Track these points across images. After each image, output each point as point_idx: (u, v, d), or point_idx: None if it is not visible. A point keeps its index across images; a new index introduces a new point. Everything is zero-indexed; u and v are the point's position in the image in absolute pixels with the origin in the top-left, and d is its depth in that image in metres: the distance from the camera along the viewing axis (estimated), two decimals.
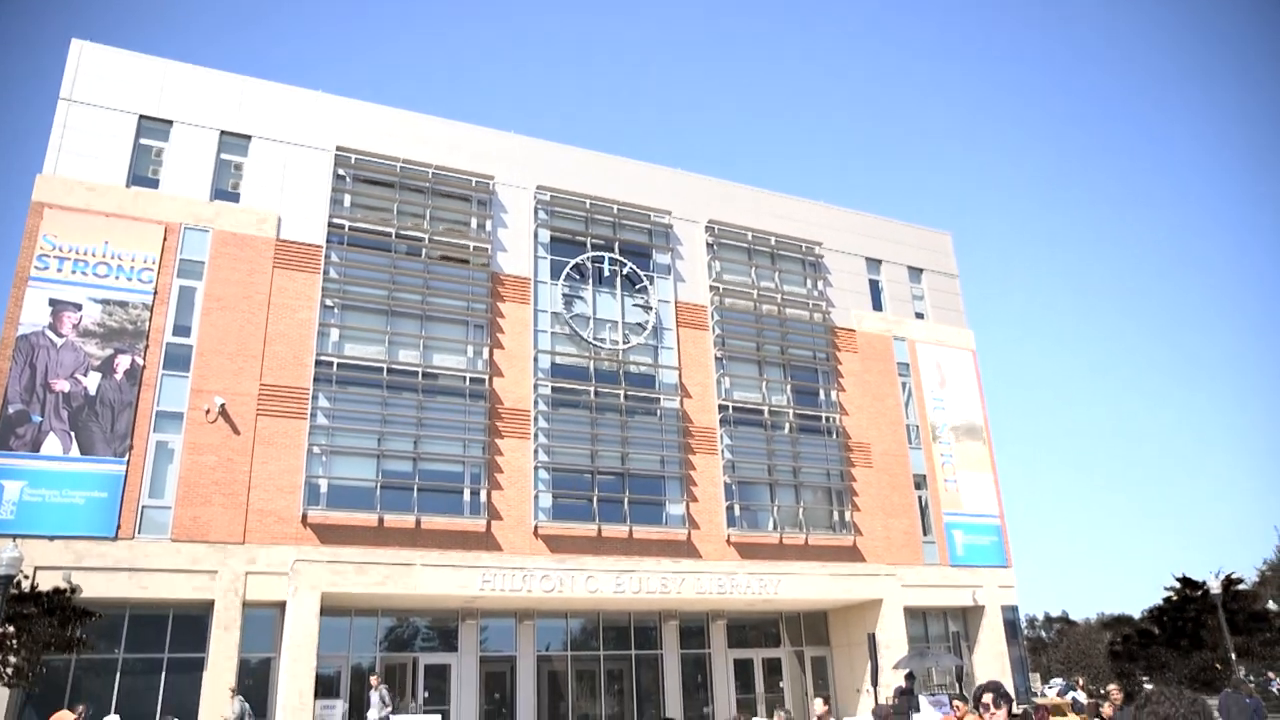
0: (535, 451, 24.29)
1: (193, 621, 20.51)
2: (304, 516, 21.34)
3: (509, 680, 23.57)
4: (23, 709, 18.09)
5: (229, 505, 20.87)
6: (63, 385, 20.26)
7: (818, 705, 11.66)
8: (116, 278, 21.37)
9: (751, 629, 27.27)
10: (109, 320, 21.06)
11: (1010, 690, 5.63)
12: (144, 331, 21.28)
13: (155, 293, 21.62)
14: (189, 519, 20.45)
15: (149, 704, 18.57)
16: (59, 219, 21.11)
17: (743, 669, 26.55)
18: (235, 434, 21.39)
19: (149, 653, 20.11)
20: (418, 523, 22.28)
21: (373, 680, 19.86)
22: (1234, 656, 34.08)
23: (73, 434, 20.06)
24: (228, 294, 22.33)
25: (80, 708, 13.17)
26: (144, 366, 21.07)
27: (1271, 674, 25.78)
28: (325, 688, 20.60)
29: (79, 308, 20.89)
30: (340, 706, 20.59)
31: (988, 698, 5.54)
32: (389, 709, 18.72)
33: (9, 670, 15.12)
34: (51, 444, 19.86)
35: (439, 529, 22.44)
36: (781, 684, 26.74)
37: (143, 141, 22.77)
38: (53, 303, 20.68)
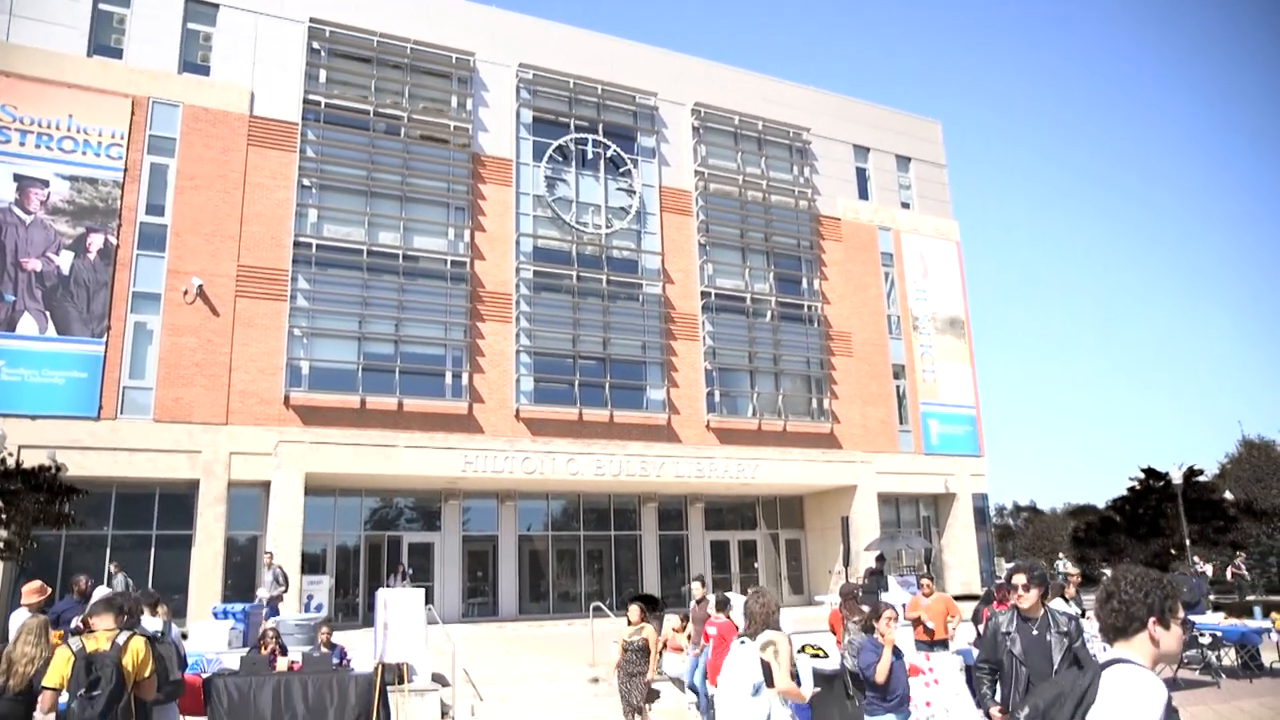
0: (517, 335, 24.28)
1: (179, 500, 20.78)
2: (286, 398, 21.39)
3: (491, 559, 24.19)
4: (17, 582, 18.43)
5: (211, 387, 20.85)
6: (34, 264, 19.89)
7: (695, 588, 11.91)
8: (84, 153, 20.72)
9: (729, 512, 27.98)
10: (78, 198, 20.53)
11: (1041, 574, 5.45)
12: (116, 210, 20.78)
13: (125, 170, 21.02)
14: (171, 400, 20.46)
15: (140, 578, 18.91)
16: (18, 89, 20.29)
17: (719, 550, 27.35)
18: (215, 316, 21.20)
19: (137, 529, 20.44)
20: (400, 405, 22.40)
21: (266, 557, 18.64)
22: (1189, 543, 35.45)
23: (48, 314, 19.82)
24: (201, 172, 21.76)
25: (81, 578, 13.44)
26: (118, 246, 20.67)
27: (1197, 560, 27.06)
28: (311, 565, 21.06)
29: (46, 184, 20.32)
30: (326, 582, 21.12)
31: (1020, 579, 5.30)
32: (283, 589, 17.41)
33: (0, 544, 15.30)
34: (27, 324, 19.63)
35: (421, 411, 22.58)
36: (756, 565, 27.61)
37: (102, 7, 21.72)
38: (18, 178, 20.09)
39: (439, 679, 13.19)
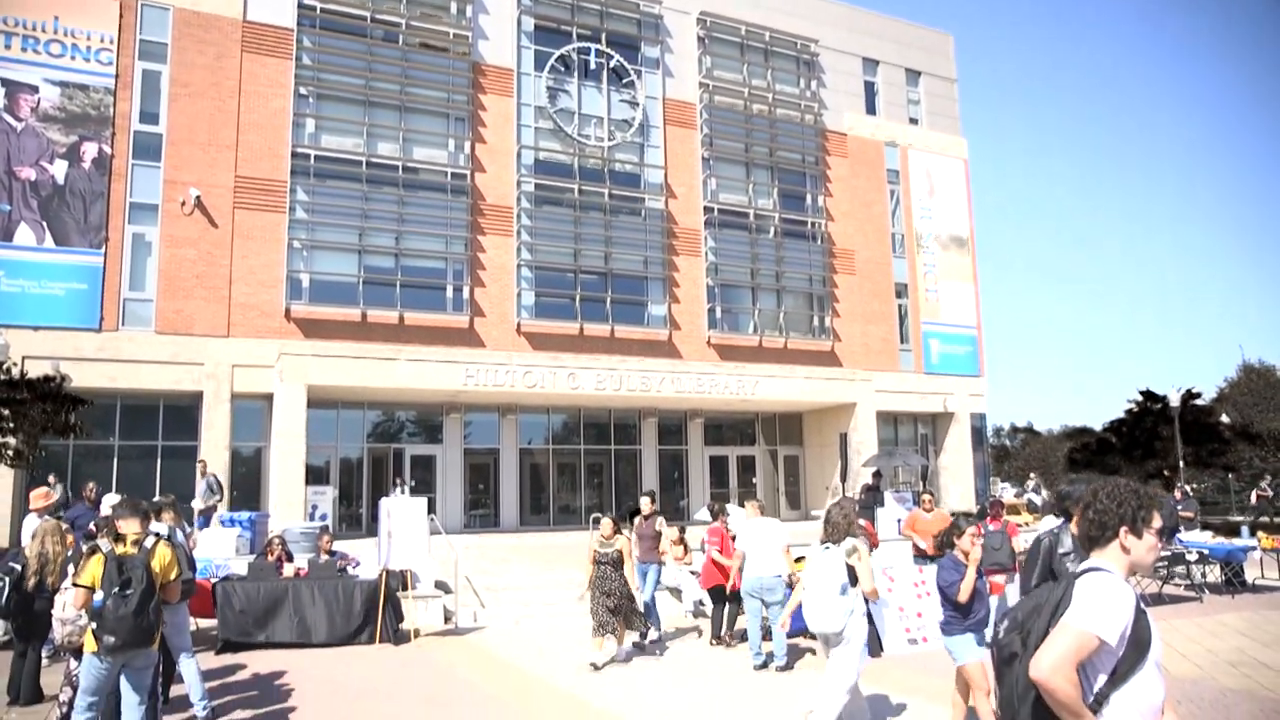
0: (518, 249, 24.12)
1: (183, 411, 20.97)
2: (287, 311, 21.37)
3: (492, 471, 24.52)
4: (27, 490, 18.73)
5: (211, 299, 20.82)
6: (28, 173, 19.64)
7: (644, 504, 11.47)
8: (72, 58, 20.25)
9: (728, 428, 28.23)
10: (70, 105, 20.14)
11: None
12: (109, 118, 20.41)
13: (117, 76, 20.58)
14: (172, 312, 20.45)
15: (147, 488, 19.19)
16: None
17: (718, 466, 27.70)
18: (213, 227, 21.02)
19: (143, 440, 20.68)
20: (401, 318, 22.39)
21: (200, 466, 18.39)
22: (1183, 465, 35.85)
23: (45, 224, 19.66)
24: (195, 79, 21.29)
25: (91, 485, 13.67)
26: (112, 155, 20.37)
27: (1181, 485, 27.73)
28: (315, 476, 21.34)
29: (35, 90, 19.92)
30: (330, 493, 21.42)
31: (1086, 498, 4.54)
32: (217, 498, 17.33)
33: (9, 452, 15.49)
34: (24, 234, 19.49)
35: (422, 325, 22.59)
36: (755, 480, 27.98)
37: None
38: (5, 83, 19.69)
39: (442, 586, 13.51)
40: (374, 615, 11.30)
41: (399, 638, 11.29)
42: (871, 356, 28.56)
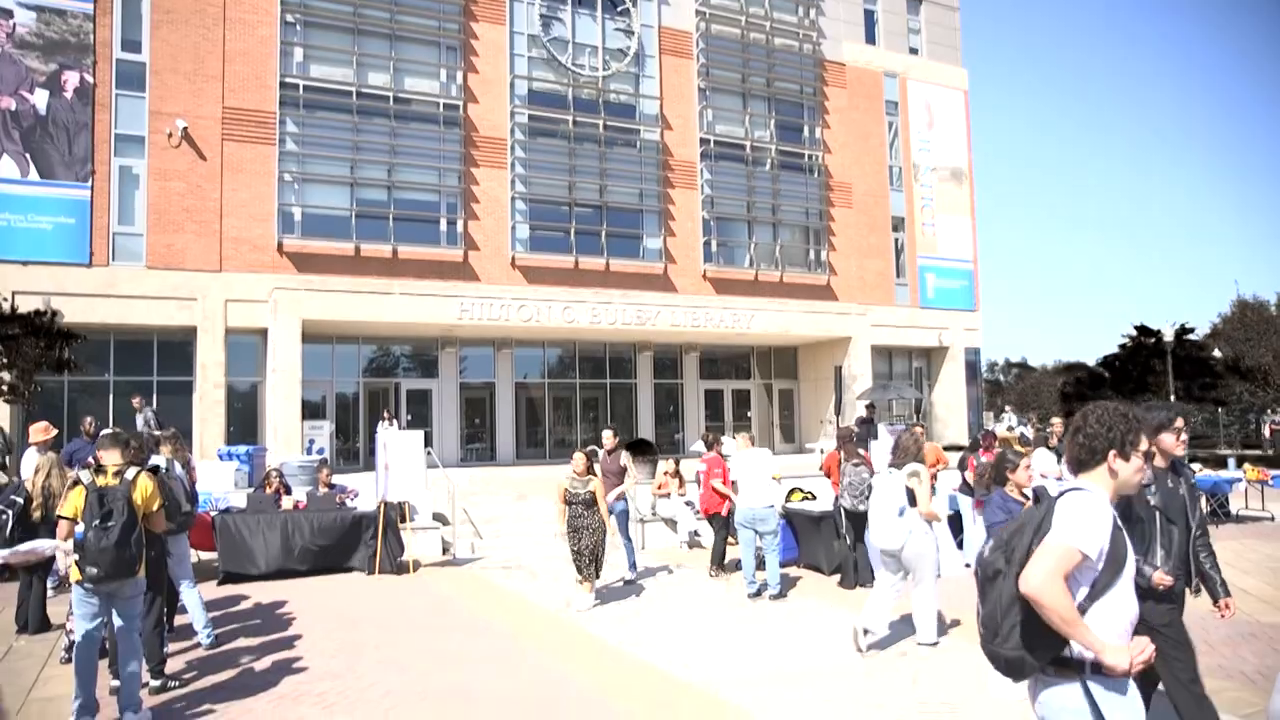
0: (512, 182, 23.83)
1: (178, 347, 20.92)
2: (280, 245, 21.18)
3: (488, 405, 24.62)
4: (23, 426, 18.77)
5: (202, 233, 20.60)
6: (8, 102, 19.23)
7: (606, 437, 10.92)
8: None
9: (723, 362, 28.29)
10: (47, 31, 19.63)
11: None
12: (89, 45, 19.91)
13: (95, 1, 20.01)
14: (163, 246, 20.24)
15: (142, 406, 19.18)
16: None
17: (713, 399, 27.84)
18: (201, 160, 20.69)
19: (138, 375, 20.65)
20: (394, 252, 22.21)
21: (135, 401, 17.91)
22: (1174, 398, 36.13)
23: (28, 156, 19.32)
24: (177, 5, 20.72)
25: (88, 419, 13.72)
26: (95, 85, 19.92)
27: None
28: (311, 411, 21.41)
29: (10, 14, 19.40)
30: (326, 427, 21.53)
31: (1180, 423, 4.39)
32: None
33: (4, 387, 15.49)
34: (8, 167, 19.17)
35: (416, 258, 22.42)
36: (749, 414, 28.16)
37: None
38: None
39: (439, 518, 13.67)
40: (373, 547, 11.46)
41: (399, 568, 11.46)
42: (867, 290, 28.50)
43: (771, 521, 9.62)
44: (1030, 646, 2.59)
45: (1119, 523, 2.65)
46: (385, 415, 21.08)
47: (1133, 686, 2.63)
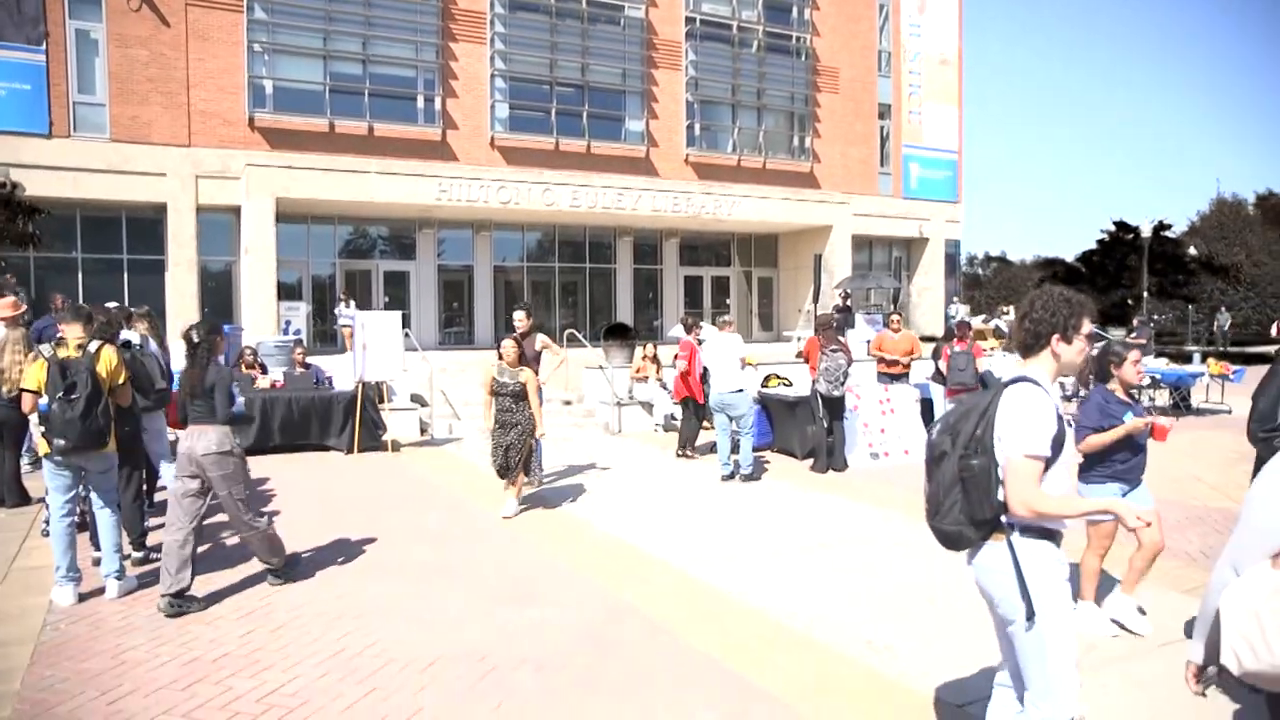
0: (492, 58, 23.03)
1: (148, 224, 20.46)
2: (251, 119, 20.51)
3: (466, 289, 24.46)
4: None
5: (169, 105, 19.87)
6: None
7: (518, 318, 9.23)
8: None
9: (704, 249, 28.12)
10: None
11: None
12: None
13: None
14: (127, 118, 19.54)
15: (114, 300, 18.96)
16: None
17: (692, 286, 27.80)
18: (165, 26, 19.77)
19: (107, 253, 20.26)
20: (370, 129, 21.60)
21: (56, 300, 15.91)
22: (1146, 295, 36.52)
23: None
24: None
25: (59, 297, 13.52)
26: None
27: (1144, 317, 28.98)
28: (287, 292, 21.15)
29: None
30: (303, 309, 21.31)
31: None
32: None
33: None
34: None
35: (393, 136, 21.83)
36: (729, 301, 28.19)
37: None
38: None
39: (418, 399, 13.76)
40: (352, 426, 11.55)
41: (378, 447, 11.59)
42: (850, 179, 28.18)
43: (741, 406, 9.74)
44: (972, 519, 2.78)
45: (1059, 411, 2.78)
46: (343, 296, 20.42)
47: (1049, 542, 2.80)
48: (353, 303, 19.52)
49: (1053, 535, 2.81)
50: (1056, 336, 2.86)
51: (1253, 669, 2.14)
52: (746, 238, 28.34)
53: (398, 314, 12.76)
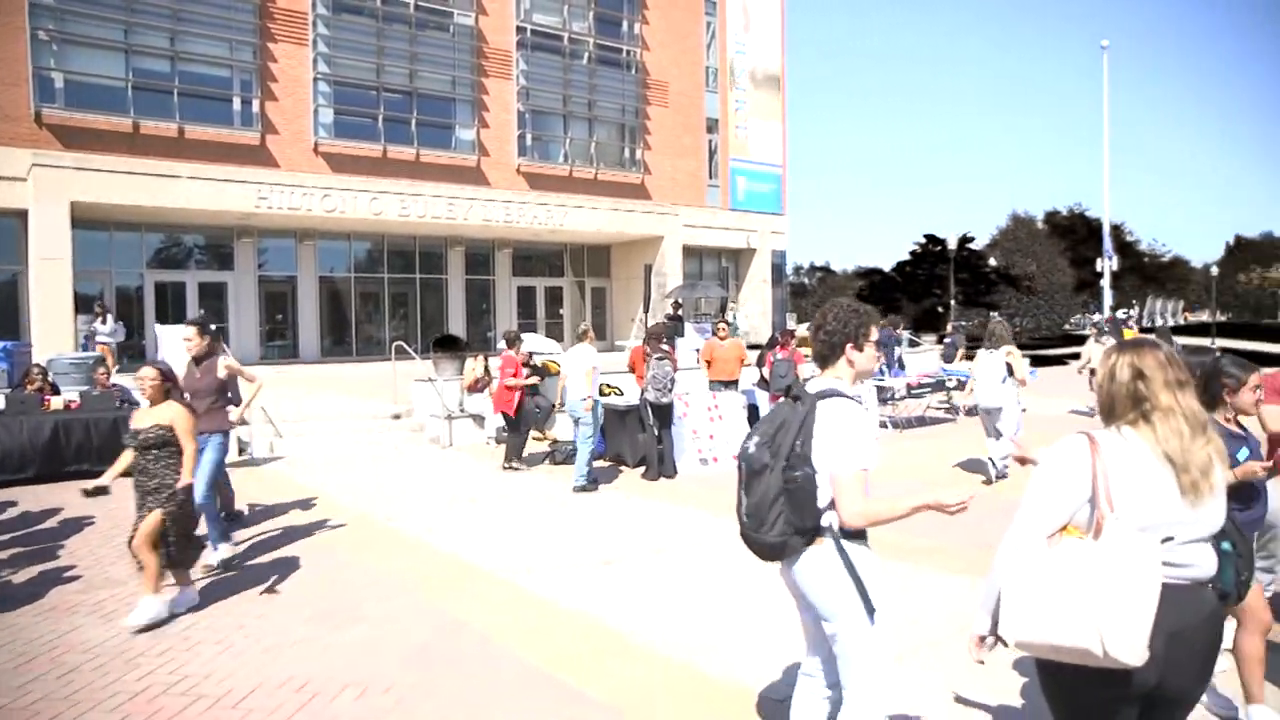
0: (314, 61, 22.16)
1: None
2: (38, 114, 18.84)
3: (290, 300, 23.40)
4: None
5: None
6: None
7: (190, 335, 6.92)
8: None
9: (536, 259, 28.08)
10: None
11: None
12: None
13: None
14: None
15: None
16: None
17: (526, 296, 27.69)
18: None
19: None
20: (180, 131, 20.30)
21: None
22: (954, 302, 39.37)
23: None
24: None
25: None
26: None
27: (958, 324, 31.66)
28: (87, 305, 19.50)
29: None
30: (112, 322, 19.68)
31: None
32: None
33: None
34: None
35: (206, 139, 20.61)
36: (562, 312, 28.26)
37: None
38: None
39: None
40: None
41: None
42: (680, 191, 28.90)
43: (580, 410, 9.89)
44: (798, 529, 2.87)
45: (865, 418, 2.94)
46: (98, 308, 17.74)
47: (864, 542, 2.95)
48: (109, 316, 17.77)
49: (864, 535, 2.94)
50: (850, 345, 3.01)
51: (1023, 639, 2.34)
52: (579, 248, 28.52)
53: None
